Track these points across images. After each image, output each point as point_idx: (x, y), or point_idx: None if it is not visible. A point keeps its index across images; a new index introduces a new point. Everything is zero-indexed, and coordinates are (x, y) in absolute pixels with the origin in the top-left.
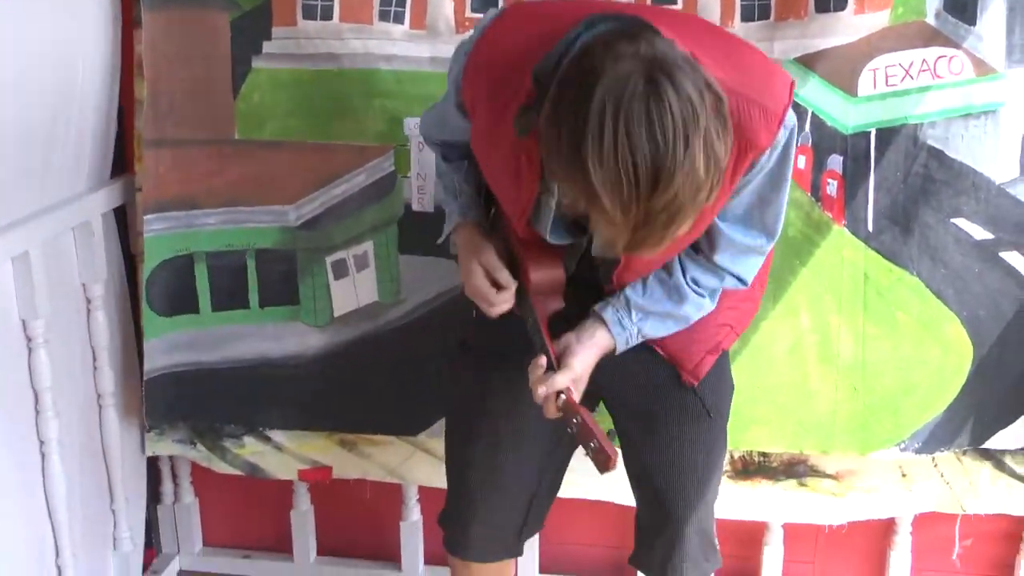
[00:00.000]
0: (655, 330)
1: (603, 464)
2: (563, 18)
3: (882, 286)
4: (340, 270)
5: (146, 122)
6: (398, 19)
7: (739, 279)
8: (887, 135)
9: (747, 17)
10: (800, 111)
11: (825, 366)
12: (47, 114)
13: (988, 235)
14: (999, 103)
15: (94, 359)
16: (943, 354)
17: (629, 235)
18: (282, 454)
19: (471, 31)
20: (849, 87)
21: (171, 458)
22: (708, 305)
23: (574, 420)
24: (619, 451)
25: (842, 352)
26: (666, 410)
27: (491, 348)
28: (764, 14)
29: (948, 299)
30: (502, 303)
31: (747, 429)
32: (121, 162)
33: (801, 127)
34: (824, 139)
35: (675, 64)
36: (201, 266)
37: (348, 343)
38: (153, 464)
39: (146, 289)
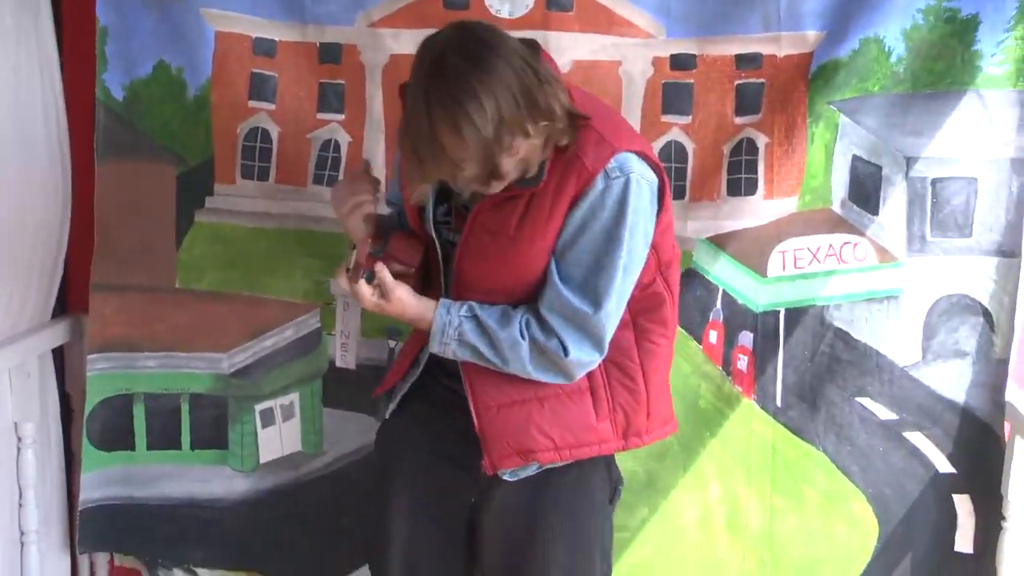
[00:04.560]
0: (473, 336)
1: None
2: None
3: (790, 460)
4: (267, 419)
5: (95, 266)
6: (331, 183)
7: (562, 345)
8: (795, 315)
9: None
10: (711, 288)
11: (734, 536)
12: None
13: (892, 415)
14: (899, 290)
15: (20, 496)
16: (849, 530)
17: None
18: None
19: None
20: (759, 267)
21: None
22: (525, 353)
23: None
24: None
25: (750, 523)
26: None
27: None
28: (679, 194)
29: (854, 476)
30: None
31: None
32: (63, 302)
33: (712, 303)
34: (735, 316)
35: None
36: (139, 406)
37: (271, 490)
38: None
39: (86, 424)
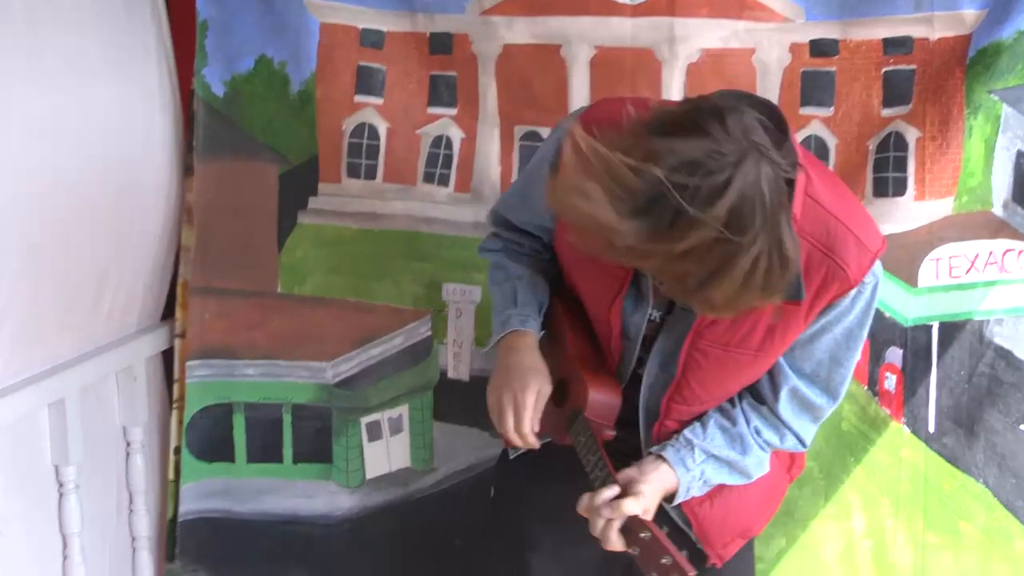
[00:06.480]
0: (717, 475)
1: None
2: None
3: (944, 492)
4: (374, 432)
5: (194, 270)
6: (443, 181)
7: (799, 439)
8: (950, 330)
9: None
10: None
11: (881, 574)
12: (100, 257)
13: None
14: None
15: (130, 502)
16: (1012, 571)
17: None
18: None
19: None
20: (909, 277)
21: None
22: (766, 463)
23: (642, 536)
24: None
25: (899, 561)
26: None
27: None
28: None
29: (1019, 512)
30: (517, 440)
31: None
32: (172, 306)
33: None
34: (883, 330)
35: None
36: (239, 416)
37: (378, 507)
38: None
39: (186, 433)
